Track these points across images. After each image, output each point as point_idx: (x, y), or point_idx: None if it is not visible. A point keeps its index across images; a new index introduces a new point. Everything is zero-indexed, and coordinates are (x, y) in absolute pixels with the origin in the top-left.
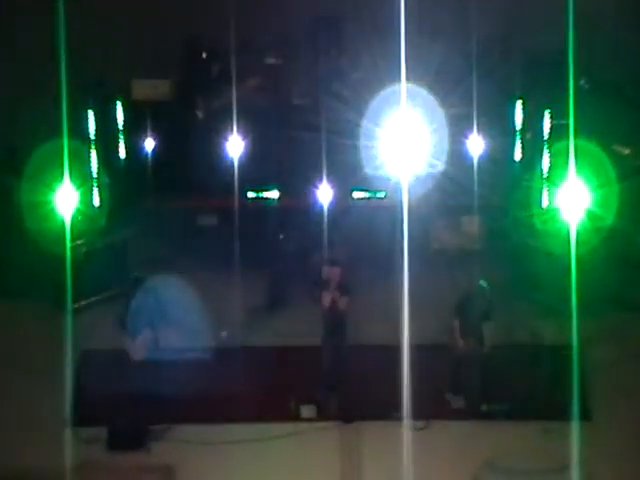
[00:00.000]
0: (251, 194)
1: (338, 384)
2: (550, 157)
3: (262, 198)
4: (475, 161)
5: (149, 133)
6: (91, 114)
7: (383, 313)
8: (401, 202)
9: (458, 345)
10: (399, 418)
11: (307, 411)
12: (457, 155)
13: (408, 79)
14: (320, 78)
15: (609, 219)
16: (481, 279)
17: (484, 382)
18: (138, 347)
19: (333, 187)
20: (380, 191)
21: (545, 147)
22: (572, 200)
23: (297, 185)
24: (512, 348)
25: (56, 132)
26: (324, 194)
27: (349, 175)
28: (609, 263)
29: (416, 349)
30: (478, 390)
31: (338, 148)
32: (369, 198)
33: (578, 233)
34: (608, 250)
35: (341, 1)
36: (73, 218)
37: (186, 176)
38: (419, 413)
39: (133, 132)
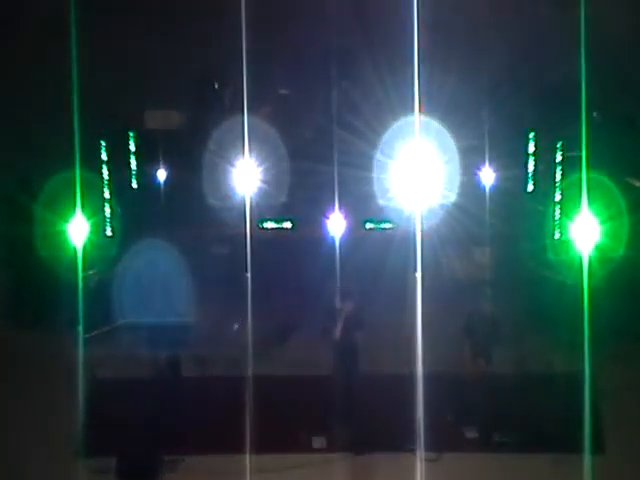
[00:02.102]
0: (264, 224)
1: (350, 415)
2: (562, 189)
3: (275, 228)
4: (487, 192)
5: (161, 163)
6: (104, 144)
7: (396, 343)
8: (414, 233)
9: (468, 367)
10: (411, 449)
11: (318, 442)
12: (469, 186)
13: (421, 111)
14: (333, 109)
15: (621, 250)
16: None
17: (497, 413)
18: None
19: (345, 218)
20: (392, 222)
21: (557, 179)
22: (584, 231)
23: (310, 216)
24: (523, 378)
25: (69, 162)
26: (336, 225)
27: (361, 206)
28: (621, 294)
29: (428, 379)
30: (491, 421)
31: (351, 179)
32: (381, 229)
33: (590, 264)
34: (620, 281)
35: (354, 33)
36: (85, 248)
37: (198, 206)
38: (431, 444)
39: (145, 162)
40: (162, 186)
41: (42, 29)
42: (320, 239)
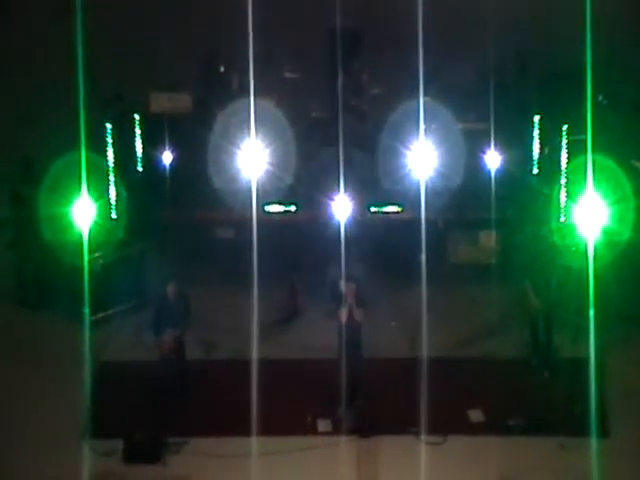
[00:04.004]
0: (269, 207)
1: (355, 398)
2: (567, 172)
3: (280, 211)
4: (493, 176)
5: (167, 146)
6: (109, 127)
7: (400, 327)
8: (419, 216)
9: (533, 304)
10: (416, 432)
11: (324, 425)
12: (475, 170)
13: (426, 94)
14: (338, 92)
15: (626, 234)
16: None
17: (503, 396)
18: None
19: (350, 201)
20: (397, 205)
21: (562, 162)
22: (589, 215)
23: (314, 199)
24: (529, 362)
25: (74, 145)
26: (341, 208)
27: (367, 189)
28: (626, 277)
29: (433, 362)
30: None
31: (356, 162)
32: (386, 212)
33: (595, 248)
34: (625, 264)
35: (360, 16)
36: (91, 231)
37: (204, 189)
38: (436, 428)
39: (151, 145)
40: (167, 169)
41: (47, 10)
42: (325, 222)
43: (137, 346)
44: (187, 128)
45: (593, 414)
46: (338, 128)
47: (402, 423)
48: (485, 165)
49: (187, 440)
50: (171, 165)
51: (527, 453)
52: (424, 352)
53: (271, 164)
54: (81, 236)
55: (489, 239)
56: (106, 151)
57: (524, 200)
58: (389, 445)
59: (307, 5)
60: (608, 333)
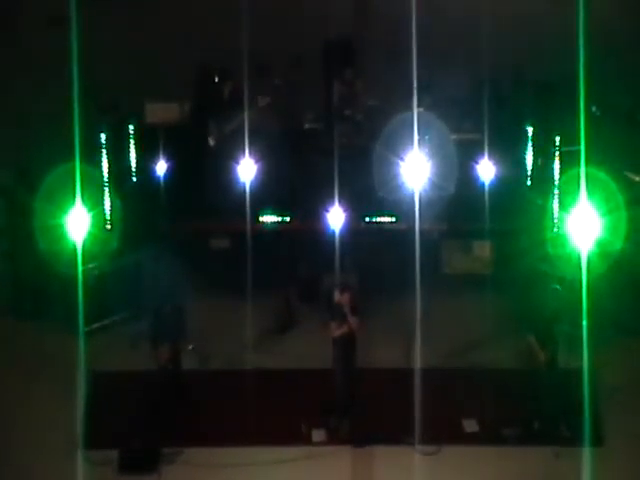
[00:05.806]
0: (263, 217)
1: (350, 408)
2: (561, 183)
3: (274, 222)
4: (486, 186)
5: (162, 156)
6: (104, 137)
7: (395, 337)
8: (413, 227)
9: (539, 359)
10: (411, 442)
11: (318, 435)
12: (469, 180)
13: (420, 104)
14: (333, 102)
15: (619, 244)
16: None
17: (497, 406)
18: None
19: (345, 211)
20: (392, 215)
21: (556, 173)
22: (583, 225)
23: (309, 209)
24: (523, 373)
25: (69, 155)
26: (336, 218)
27: (361, 199)
28: (619, 288)
29: (428, 372)
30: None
31: (350, 172)
32: (381, 222)
33: (589, 258)
34: (618, 275)
35: (355, 25)
36: (85, 241)
37: (199, 199)
38: (431, 437)
39: (146, 155)
40: (162, 179)
41: (43, 20)
42: (319, 233)
43: (132, 356)
44: (182, 138)
45: (587, 423)
46: (332, 138)
47: (396, 433)
48: (479, 175)
49: (182, 450)
50: (166, 175)
51: (522, 462)
52: (418, 362)
53: (266, 174)
54: (75, 246)
55: (483, 249)
56: (101, 161)
57: (518, 210)
58: (383, 455)
59: (302, 15)
60: (602, 343)
